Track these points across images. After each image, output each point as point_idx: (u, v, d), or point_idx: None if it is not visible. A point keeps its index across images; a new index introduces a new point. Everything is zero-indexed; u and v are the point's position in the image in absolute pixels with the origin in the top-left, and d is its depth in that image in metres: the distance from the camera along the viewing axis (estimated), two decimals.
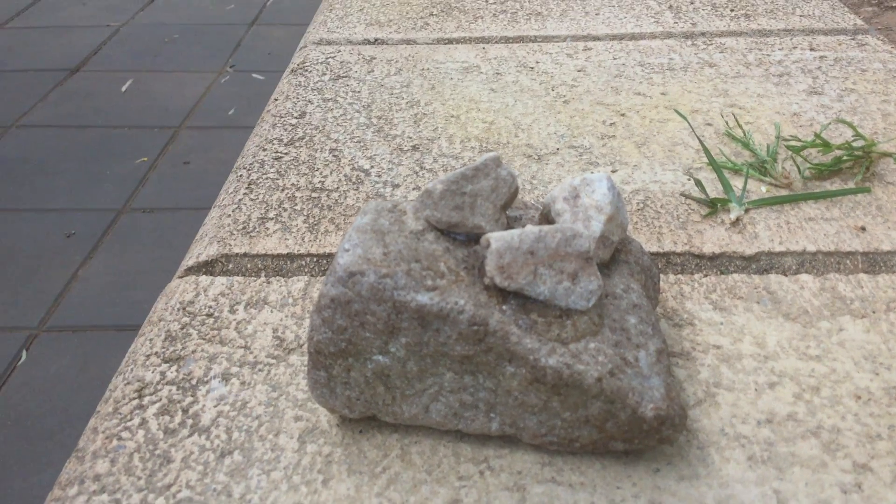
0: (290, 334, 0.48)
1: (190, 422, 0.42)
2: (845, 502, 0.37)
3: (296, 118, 0.73)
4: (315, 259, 0.54)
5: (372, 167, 0.65)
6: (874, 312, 0.49)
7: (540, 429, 0.38)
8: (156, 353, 0.47)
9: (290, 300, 0.51)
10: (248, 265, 0.54)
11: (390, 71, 0.82)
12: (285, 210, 0.59)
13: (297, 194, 0.61)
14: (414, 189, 0.61)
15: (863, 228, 0.56)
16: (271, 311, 0.50)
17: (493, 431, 0.39)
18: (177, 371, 0.45)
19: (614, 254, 0.43)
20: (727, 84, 0.77)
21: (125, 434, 0.41)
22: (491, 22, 0.94)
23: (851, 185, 0.61)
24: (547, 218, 0.43)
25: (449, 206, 0.40)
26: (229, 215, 0.59)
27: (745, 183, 0.59)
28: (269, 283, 0.52)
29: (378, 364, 0.38)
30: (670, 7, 0.96)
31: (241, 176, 0.65)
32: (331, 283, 0.37)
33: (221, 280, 0.53)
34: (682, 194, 0.60)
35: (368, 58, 0.85)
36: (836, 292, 0.50)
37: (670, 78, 0.79)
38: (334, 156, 0.67)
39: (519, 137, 0.69)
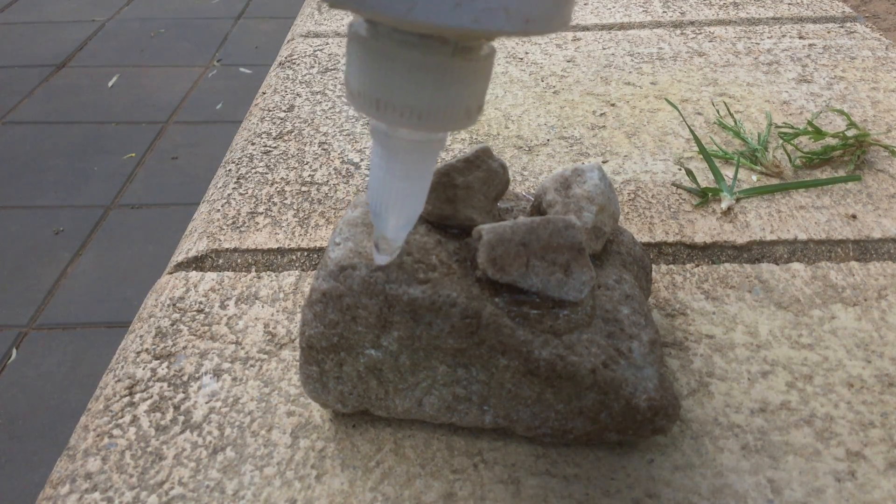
0: (282, 329, 0.47)
1: (182, 418, 0.42)
2: (839, 490, 0.37)
3: (284, 112, 0.73)
4: (306, 253, 0.54)
5: (362, 160, 0.64)
6: (866, 300, 0.49)
7: (533, 421, 0.38)
8: (146, 349, 0.46)
9: (282, 295, 0.50)
10: (239, 260, 0.54)
11: None
12: (275, 204, 0.59)
13: (287, 188, 0.61)
14: None
15: (854, 216, 0.56)
16: (262, 306, 0.49)
17: (486, 424, 0.39)
18: (168, 368, 0.45)
19: (606, 244, 0.43)
20: (717, 73, 0.77)
21: (116, 432, 0.41)
22: None
23: (842, 173, 0.61)
24: (538, 209, 0.43)
25: (440, 198, 0.39)
26: (218, 210, 0.59)
27: (736, 172, 0.59)
28: (259, 277, 0.52)
29: (370, 358, 0.38)
30: None
31: (229, 171, 0.64)
32: (322, 278, 0.37)
33: (211, 275, 0.52)
34: (674, 184, 0.60)
35: None
36: (828, 280, 0.50)
37: (660, 67, 0.78)
38: (323, 149, 0.66)
39: (509, 129, 0.68)
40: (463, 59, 0.26)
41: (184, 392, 0.43)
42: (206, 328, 0.48)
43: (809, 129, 0.64)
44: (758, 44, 0.83)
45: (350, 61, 0.27)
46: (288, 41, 0.91)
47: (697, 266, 0.52)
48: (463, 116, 0.27)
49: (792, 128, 0.65)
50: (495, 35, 0.24)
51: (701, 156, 0.63)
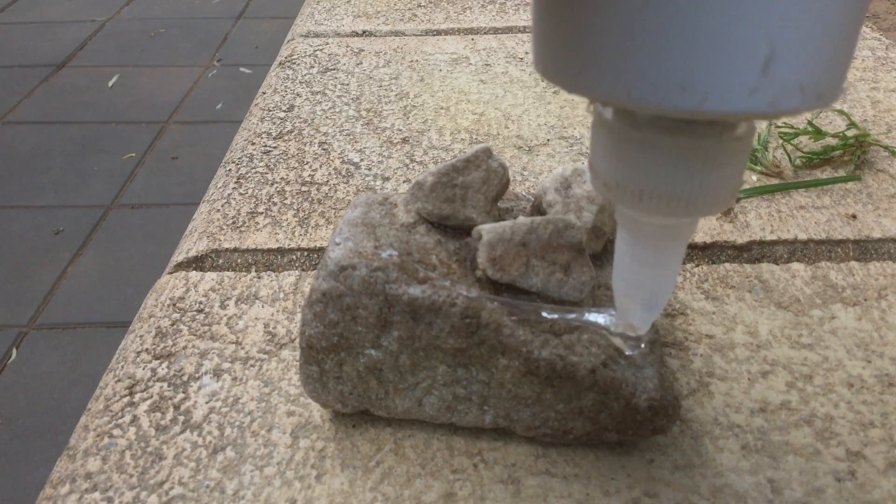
0: (282, 329, 0.47)
1: (182, 418, 0.42)
2: (839, 490, 0.37)
3: (284, 111, 0.73)
4: (306, 253, 0.54)
5: (362, 160, 0.64)
6: (866, 300, 0.49)
7: (533, 421, 0.38)
8: (146, 349, 0.46)
9: (282, 295, 0.50)
10: (239, 260, 0.54)
11: (379, 63, 0.82)
12: (275, 204, 0.59)
13: (287, 188, 0.61)
14: (404, 182, 0.61)
15: (854, 216, 0.56)
16: (262, 306, 0.49)
17: (486, 424, 0.39)
18: (168, 367, 0.45)
19: (606, 244, 0.43)
20: None
21: (116, 431, 0.41)
22: (479, 13, 0.93)
23: (842, 173, 0.61)
24: (538, 209, 0.43)
25: (440, 198, 0.39)
26: (218, 210, 0.59)
27: None
28: (259, 277, 0.52)
29: (370, 358, 0.38)
30: None
31: (229, 170, 0.64)
32: (322, 278, 0.37)
33: (211, 275, 0.52)
34: None
35: (357, 50, 0.85)
36: (828, 280, 0.50)
37: None
38: (323, 149, 0.66)
39: (509, 129, 0.68)
40: (730, 139, 0.24)
41: (184, 392, 0.43)
42: (206, 328, 0.48)
43: (809, 129, 0.64)
44: None
45: (600, 150, 0.25)
46: (288, 41, 0.91)
47: (697, 266, 0.52)
48: (729, 197, 0.25)
49: (792, 128, 0.65)
50: (783, 116, 0.22)
51: None
